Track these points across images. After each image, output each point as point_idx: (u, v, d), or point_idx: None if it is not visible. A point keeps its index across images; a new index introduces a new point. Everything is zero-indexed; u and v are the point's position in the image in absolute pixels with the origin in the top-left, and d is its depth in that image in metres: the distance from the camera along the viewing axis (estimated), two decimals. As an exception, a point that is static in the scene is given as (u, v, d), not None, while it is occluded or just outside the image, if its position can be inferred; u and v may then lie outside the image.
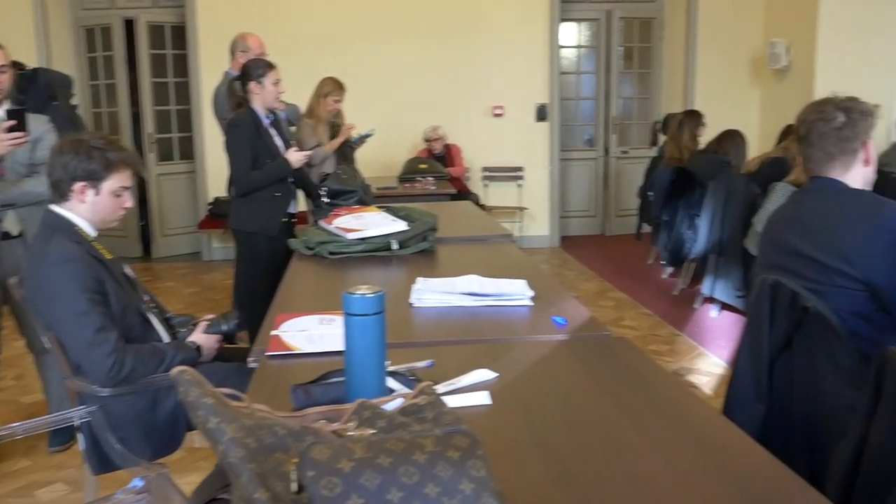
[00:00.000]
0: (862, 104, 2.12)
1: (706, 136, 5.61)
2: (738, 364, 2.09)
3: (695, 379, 3.83)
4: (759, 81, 7.20)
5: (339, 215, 3.07)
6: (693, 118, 5.69)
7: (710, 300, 4.87)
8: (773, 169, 4.39)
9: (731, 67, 7.26)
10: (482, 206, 6.60)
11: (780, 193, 3.58)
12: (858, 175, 2.08)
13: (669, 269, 5.73)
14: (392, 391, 1.38)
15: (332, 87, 4.81)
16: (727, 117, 6.24)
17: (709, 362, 4.06)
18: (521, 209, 7.21)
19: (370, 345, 1.29)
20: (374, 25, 6.91)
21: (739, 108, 7.00)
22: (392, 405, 1.18)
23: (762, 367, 2.02)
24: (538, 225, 7.35)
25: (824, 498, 1.06)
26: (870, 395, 1.52)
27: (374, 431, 1.06)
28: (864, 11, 6.22)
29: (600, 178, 7.94)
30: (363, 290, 1.28)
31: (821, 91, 6.32)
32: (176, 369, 0.97)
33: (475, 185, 7.09)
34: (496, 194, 7.18)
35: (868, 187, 2.17)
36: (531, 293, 2.12)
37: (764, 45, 6.95)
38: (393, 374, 1.47)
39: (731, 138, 5.14)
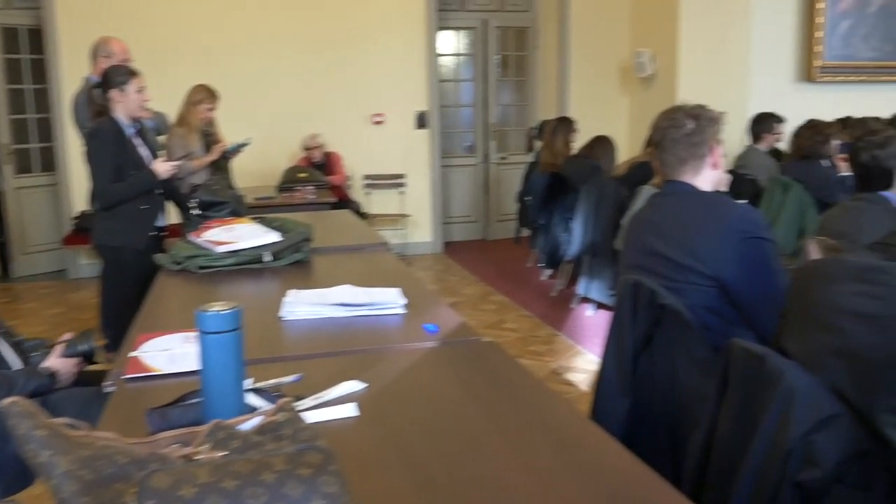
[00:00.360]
0: (709, 111, 2.25)
1: (579, 142, 5.81)
2: (604, 361, 2.17)
3: (572, 377, 3.95)
4: (627, 89, 7.50)
5: (210, 228, 2.98)
6: (566, 125, 5.87)
7: (586, 300, 5.03)
8: (640, 172, 4.59)
9: (602, 75, 7.54)
10: (364, 215, 6.60)
11: (644, 196, 3.75)
12: (708, 178, 2.21)
13: (548, 272, 5.88)
14: (255, 409, 1.35)
15: (203, 95, 4.67)
16: (599, 123, 6.47)
17: (585, 360, 4.19)
18: (404, 216, 7.23)
19: (226, 363, 1.25)
20: (250, 33, 6.76)
21: (610, 114, 7.27)
22: (249, 424, 1.16)
23: (626, 363, 2.10)
24: (421, 231, 7.40)
25: (678, 493, 1.11)
26: (717, 385, 1.60)
27: (226, 453, 1.03)
28: (718, 24, 6.60)
29: (481, 184, 8.08)
30: (217, 307, 1.24)
31: (683, 98, 6.67)
32: (5, 401, 0.91)
33: (357, 194, 7.05)
34: (378, 202, 7.17)
35: (723, 188, 2.31)
36: (404, 301, 2.12)
37: (631, 54, 7.25)
38: (257, 392, 1.44)
39: (602, 144, 5.35)
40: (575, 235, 4.97)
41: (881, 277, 1.53)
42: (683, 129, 2.17)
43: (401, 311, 2.08)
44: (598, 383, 2.19)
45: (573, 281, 5.30)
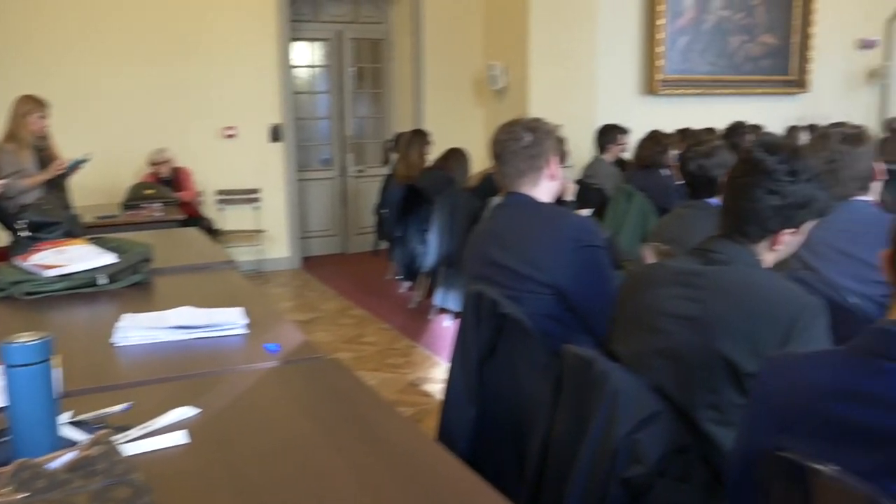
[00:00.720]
0: (546, 124, 2.34)
1: (435, 154, 5.88)
2: (451, 371, 2.20)
3: (429, 387, 3.98)
4: (481, 101, 7.67)
5: (40, 250, 2.79)
6: (420, 137, 5.94)
7: (444, 310, 5.09)
8: (491, 184, 4.69)
9: (457, 88, 7.68)
10: (216, 232, 6.39)
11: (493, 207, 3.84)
12: (546, 189, 2.29)
13: (406, 284, 5.91)
14: (74, 443, 1.27)
15: (31, 105, 4.38)
16: (454, 135, 6.59)
17: (442, 370, 4.22)
18: (260, 232, 7.06)
19: (35, 397, 1.17)
20: (89, 45, 6.39)
21: (465, 126, 7.40)
22: (60, 461, 1.08)
23: (471, 373, 2.14)
24: (278, 247, 7.25)
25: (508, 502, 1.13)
26: (552, 390, 1.66)
27: (28, 494, 0.96)
28: (566, 39, 6.89)
29: (338, 198, 8.01)
30: (24, 338, 1.16)
31: (535, 110, 6.94)
32: None
33: (209, 210, 6.82)
34: (232, 218, 6.97)
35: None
36: (245, 321, 2.06)
37: (484, 67, 7.43)
38: (78, 424, 1.35)
39: (455, 156, 5.45)
40: (431, 247, 5.02)
41: (699, 281, 1.64)
42: (521, 141, 2.24)
43: (242, 331, 2.02)
44: (446, 392, 2.22)
45: (431, 292, 5.35)
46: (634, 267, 2.38)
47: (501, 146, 2.26)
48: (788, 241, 1.66)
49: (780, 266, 2.39)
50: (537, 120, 2.32)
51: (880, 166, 2.45)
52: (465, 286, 2.28)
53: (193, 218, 5.95)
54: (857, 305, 2.26)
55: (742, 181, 1.63)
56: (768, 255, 1.68)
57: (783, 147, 1.63)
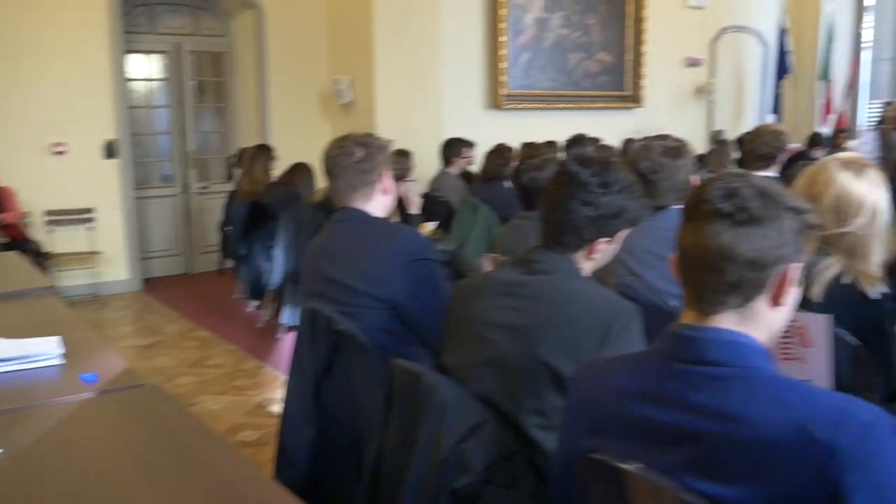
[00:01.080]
0: (378, 139, 2.35)
1: (283, 168, 5.77)
2: (288, 392, 2.15)
3: (277, 409, 3.87)
4: (328, 115, 7.61)
5: None
6: (265, 152, 5.82)
7: (293, 328, 4.99)
8: (336, 198, 4.66)
9: (302, 102, 7.58)
10: (45, 255, 5.97)
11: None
12: (379, 203, 2.29)
13: (254, 303, 5.75)
14: None
15: None
16: (301, 149, 6.47)
17: (292, 390, 4.14)
18: (95, 254, 6.65)
19: None
20: None
21: (312, 140, 7.25)
22: None
23: (308, 392, 2.10)
24: (116, 269, 6.85)
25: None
26: (384, 405, 1.66)
27: None
28: (411, 54, 6.97)
29: (181, 216, 7.69)
30: None
31: (381, 124, 6.97)
32: None
33: (37, 232, 6.35)
34: (64, 240, 6.52)
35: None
36: (61, 350, 1.93)
37: (330, 81, 7.38)
38: None
39: (300, 171, 5.38)
40: (276, 264, 4.92)
41: (522, 291, 1.69)
42: (353, 156, 2.23)
43: (57, 361, 1.89)
44: (283, 413, 2.17)
45: (279, 310, 5.23)
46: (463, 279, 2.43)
47: (332, 161, 2.25)
48: (604, 249, 1.75)
49: (606, 273, 2.52)
50: (369, 135, 2.32)
51: (695, 178, 2.62)
52: (302, 304, 2.25)
53: (18, 241, 5.54)
54: (677, 308, 2.40)
55: (558, 193, 1.70)
56: (587, 264, 1.76)
57: (595, 160, 1.71)
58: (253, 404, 3.95)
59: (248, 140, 7.35)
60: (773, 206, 1.10)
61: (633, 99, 8.58)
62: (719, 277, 1.11)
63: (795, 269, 1.13)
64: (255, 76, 7.56)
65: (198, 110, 7.78)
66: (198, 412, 3.72)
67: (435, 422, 1.46)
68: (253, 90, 7.63)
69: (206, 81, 7.82)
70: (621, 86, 8.51)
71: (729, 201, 1.10)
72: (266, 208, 5.27)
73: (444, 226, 4.94)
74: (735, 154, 5.71)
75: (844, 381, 1.86)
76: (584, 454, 1.24)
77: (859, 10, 10.04)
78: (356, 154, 2.22)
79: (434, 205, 5.33)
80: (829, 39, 9.69)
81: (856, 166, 1.94)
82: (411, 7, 6.97)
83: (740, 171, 1.05)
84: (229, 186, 6.69)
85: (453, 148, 6.09)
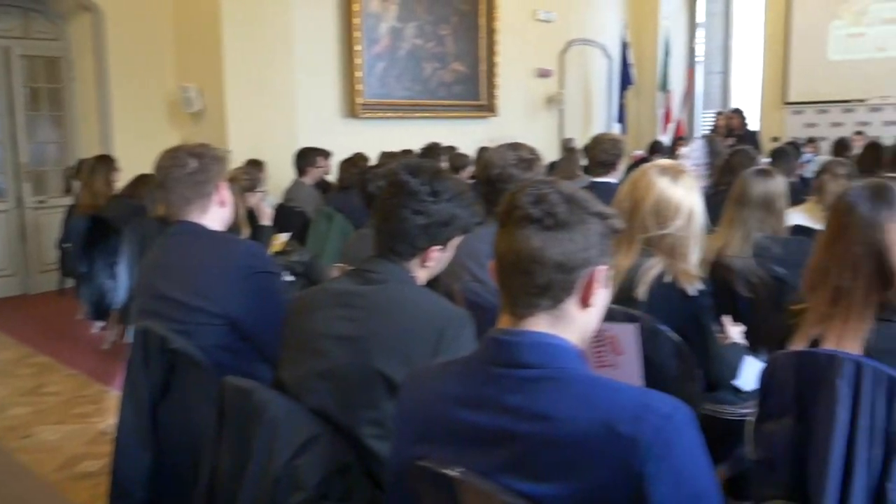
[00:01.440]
0: (213, 150, 2.28)
1: (127, 180, 5.49)
2: (122, 416, 2.04)
3: (121, 434, 3.67)
4: (177, 123, 7.32)
5: None
6: (106, 163, 5.51)
7: (141, 348, 4.75)
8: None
9: (149, 110, 7.24)
10: None
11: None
12: (216, 216, 2.22)
13: (98, 323, 5.43)
14: None
15: None
16: (148, 160, 6.02)
17: (138, 413, 3.94)
18: (-86, 276, 6.09)
19: None
20: None
21: (159, 150, 6.88)
22: None
23: (143, 416, 2.00)
24: (-60, 292, 6.30)
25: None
26: (216, 424, 1.60)
27: None
28: (262, 61, 6.83)
29: (16, 233, 7.15)
30: None
31: (234, 133, 6.79)
32: None
33: None
34: None
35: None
36: None
37: (177, 88, 7.11)
38: None
39: (145, 182, 5.13)
40: (121, 281, 4.66)
41: (357, 301, 1.68)
42: (186, 168, 2.16)
43: None
44: (115, 441, 2.05)
45: (125, 331, 4.96)
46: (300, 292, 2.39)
47: (164, 173, 2.16)
48: (437, 257, 1.76)
49: (452, 279, 2.56)
50: (204, 145, 2.25)
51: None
52: (134, 323, 2.14)
53: None
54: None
55: (389, 202, 1.70)
56: (421, 272, 1.77)
57: (426, 169, 1.73)
58: (95, 432, 3.72)
59: (89, 151, 6.95)
60: (578, 212, 1.15)
61: (487, 108, 8.80)
62: (530, 280, 1.15)
63: (602, 271, 1.19)
64: (96, 83, 7.16)
65: (32, 119, 7.27)
66: (30, 445, 3.48)
67: (267, 439, 1.43)
68: (94, 98, 7.23)
69: (41, 88, 7.33)
70: (476, 95, 8.71)
71: (538, 207, 1.14)
72: (108, 222, 5.00)
73: (300, 236, 4.86)
74: (583, 161, 5.96)
75: (668, 374, 1.98)
76: (413, 461, 1.25)
77: (692, 26, 10.80)
78: (189, 165, 2.15)
79: (289, 215, 5.23)
80: (666, 53, 10.35)
81: (673, 172, 2.07)
82: (261, 13, 6.85)
83: (550, 178, 1.11)
84: (68, 200, 6.29)
85: (307, 157, 6.01)
